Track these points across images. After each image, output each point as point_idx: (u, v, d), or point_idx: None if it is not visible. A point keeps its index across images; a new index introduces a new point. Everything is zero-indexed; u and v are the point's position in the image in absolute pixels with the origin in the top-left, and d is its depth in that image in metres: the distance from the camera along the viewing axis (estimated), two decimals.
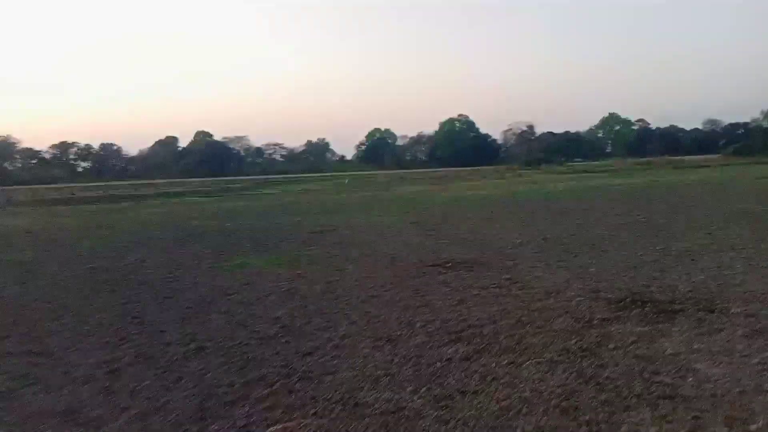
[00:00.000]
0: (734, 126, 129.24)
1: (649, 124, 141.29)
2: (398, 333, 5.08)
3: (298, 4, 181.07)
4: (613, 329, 4.86)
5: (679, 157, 73.86)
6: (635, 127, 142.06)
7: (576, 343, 4.59)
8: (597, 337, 4.68)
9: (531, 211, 16.70)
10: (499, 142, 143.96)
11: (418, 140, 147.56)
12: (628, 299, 5.74)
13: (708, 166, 51.45)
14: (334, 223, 16.10)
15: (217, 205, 28.10)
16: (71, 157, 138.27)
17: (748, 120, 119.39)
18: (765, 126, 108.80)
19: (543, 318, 5.30)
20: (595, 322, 5.07)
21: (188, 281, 8.43)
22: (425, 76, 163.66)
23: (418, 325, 5.33)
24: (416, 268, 8.53)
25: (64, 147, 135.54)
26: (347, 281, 7.79)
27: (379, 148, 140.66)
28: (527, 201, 21.28)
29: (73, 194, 52.69)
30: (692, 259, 7.99)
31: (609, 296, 6.00)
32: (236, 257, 10.52)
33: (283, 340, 5.11)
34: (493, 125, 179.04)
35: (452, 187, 36.97)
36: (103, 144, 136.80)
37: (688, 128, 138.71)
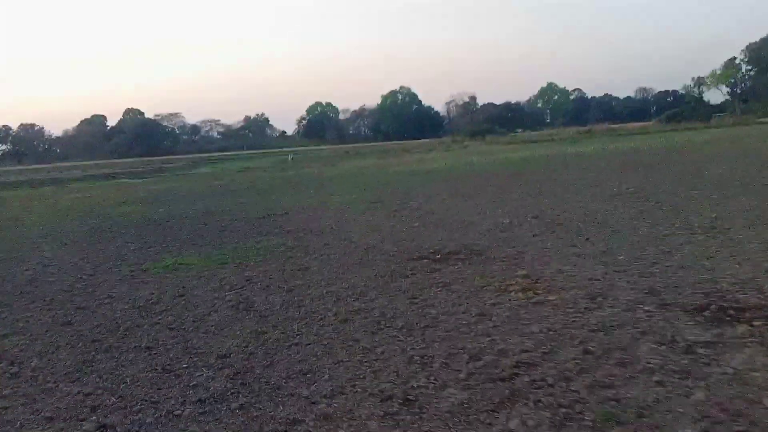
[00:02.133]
0: (664, 93, 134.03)
1: (585, 93, 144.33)
2: (416, 385, 3.35)
3: None
4: (735, 362, 3.31)
5: (618, 125, 75.22)
6: (572, 97, 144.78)
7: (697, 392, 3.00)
8: (728, 382, 3.10)
9: (498, 185, 15.27)
10: (442, 114, 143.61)
11: (361, 114, 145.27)
12: (713, 306, 4.23)
13: (646, 133, 52.11)
14: (284, 205, 14.13)
15: (148, 188, 25.36)
16: None
17: (677, 88, 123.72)
18: (696, 93, 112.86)
19: (616, 343, 3.71)
20: (699, 350, 3.52)
21: (102, 293, 6.39)
22: (366, 48, 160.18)
23: (437, 364, 3.63)
24: (399, 262, 6.82)
25: None
26: (315, 286, 5.99)
27: (321, 123, 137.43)
28: (488, 173, 19.91)
29: None
30: (732, 240, 6.65)
31: (679, 301, 4.48)
32: (168, 254, 8.48)
33: (239, 408, 3.27)
34: (435, 97, 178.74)
35: (401, 160, 35.33)
36: (22, 124, 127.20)
37: (621, 96, 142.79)
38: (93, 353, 4.38)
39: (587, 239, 7.28)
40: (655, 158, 20.52)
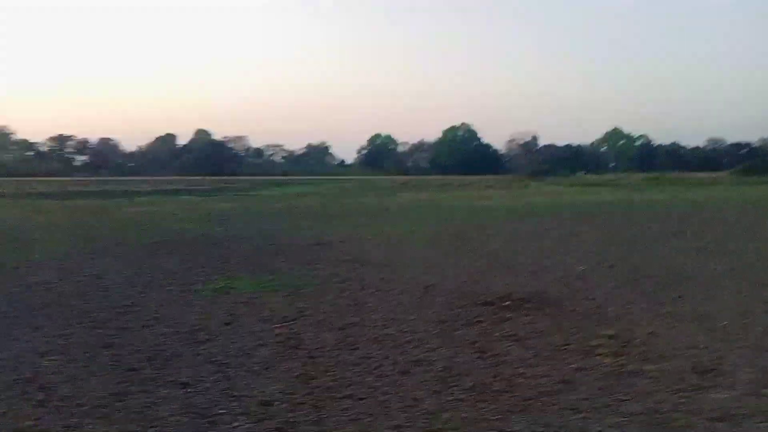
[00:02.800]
0: (737, 146, 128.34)
1: (651, 140, 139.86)
2: None
3: (305, 2, 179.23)
4: None
5: (687, 174, 71.97)
6: (638, 143, 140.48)
7: None
8: None
9: (566, 228, 14.38)
10: (502, 152, 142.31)
11: (420, 147, 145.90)
12: None
13: (719, 184, 49.32)
14: (340, 232, 13.77)
15: (210, 205, 25.74)
16: (68, 150, 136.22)
17: (751, 139, 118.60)
18: None
19: None
20: None
21: (148, 313, 6.08)
22: (429, 83, 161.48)
23: None
24: (463, 305, 6.20)
25: (61, 140, 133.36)
26: (370, 326, 5.46)
27: (381, 154, 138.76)
28: (553, 214, 18.98)
29: (64, 188, 50.36)
30: None
31: None
32: (220, 276, 8.18)
33: None
34: (495, 135, 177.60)
35: (459, 195, 34.67)
36: (101, 138, 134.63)
37: (690, 146, 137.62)
38: (127, 384, 3.98)
39: (679, 297, 6.44)
40: (735, 211, 19.04)
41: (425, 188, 47.21)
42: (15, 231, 15.14)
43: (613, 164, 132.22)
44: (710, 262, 8.73)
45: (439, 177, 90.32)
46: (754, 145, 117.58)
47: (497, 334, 5.07)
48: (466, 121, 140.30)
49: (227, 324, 5.57)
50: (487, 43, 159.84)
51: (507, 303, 6.26)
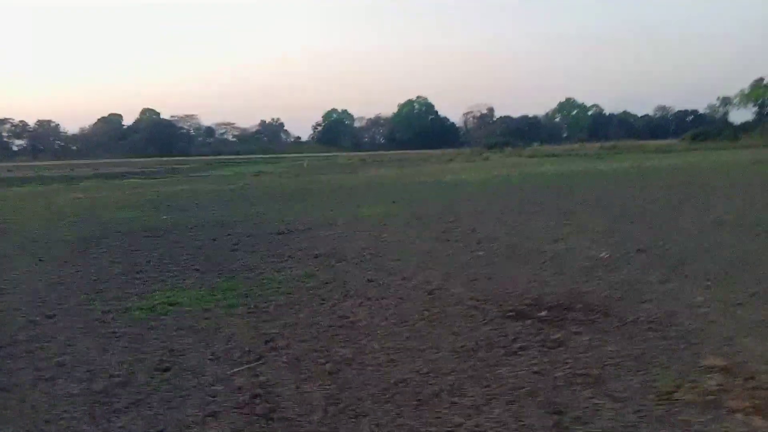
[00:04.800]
0: (683, 113, 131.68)
1: (603, 109, 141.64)
2: None
3: None
4: None
5: (641, 142, 72.75)
6: (590, 113, 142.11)
7: None
8: None
9: (555, 203, 13.05)
10: (459, 125, 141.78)
11: (376, 122, 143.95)
12: None
13: (674, 151, 49.55)
14: (306, 217, 12.03)
15: (158, 189, 23.42)
16: (5, 134, 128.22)
17: (697, 107, 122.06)
18: (721, 112, 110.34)
19: None
20: None
21: (48, 354, 4.28)
22: (383, 56, 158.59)
23: None
24: (488, 320, 4.65)
25: None
26: (372, 363, 3.84)
27: (337, 130, 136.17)
28: (529, 187, 17.69)
29: None
30: None
31: None
32: (160, 284, 6.38)
33: None
34: (451, 108, 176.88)
35: (423, 170, 33.20)
36: (39, 120, 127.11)
37: (640, 114, 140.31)
38: None
39: (752, 295, 5.06)
40: (713, 177, 18.20)
41: (385, 164, 45.60)
42: None
43: (565, 134, 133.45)
44: (750, 242, 7.47)
45: (397, 152, 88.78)
46: (700, 112, 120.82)
47: (560, 372, 3.53)
48: (422, 94, 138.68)
49: (164, 370, 3.84)
50: (441, 15, 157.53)
51: (544, 314, 4.75)
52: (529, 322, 4.54)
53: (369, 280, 6.20)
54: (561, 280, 5.88)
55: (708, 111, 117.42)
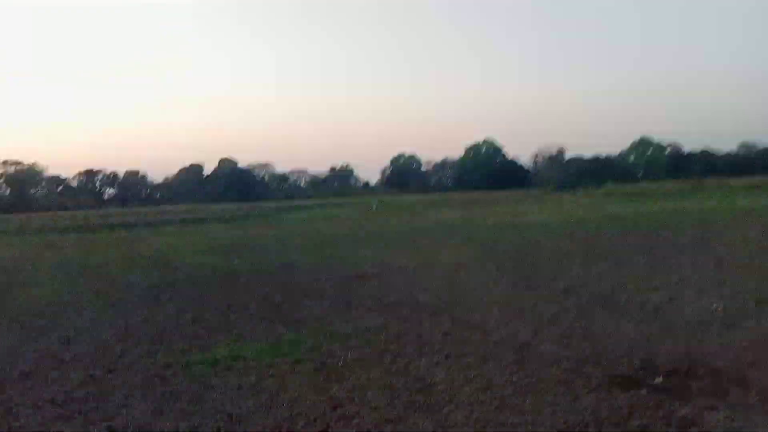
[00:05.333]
0: None
1: (680, 147, 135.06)
2: None
3: (321, 20, 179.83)
4: None
5: (726, 179, 68.33)
6: (667, 152, 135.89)
7: None
8: None
9: (643, 246, 11.96)
10: (527, 166, 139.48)
11: (443, 165, 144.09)
12: None
13: (759, 187, 45.86)
14: (375, 261, 11.60)
15: (231, 233, 23.87)
16: (97, 184, 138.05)
17: None
18: None
19: None
20: None
21: (97, 416, 3.96)
22: (450, 100, 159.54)
23: None
24: (593, 388, 3.94)
25: (89, 174, 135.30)
26: None
27: (404, 173, 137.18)
28: (611, 231, 16.49)
29: (88, 221, 49.50)
30: None
31: None
32: (225, 335, 6.05)
33: None
34: (519, 149, 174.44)
35: (494, 212, 32.22)
36: (128, 171, 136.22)
37: (721, 152, 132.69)
38: None
39: None
40: None
41: (454, 206, 44.91)
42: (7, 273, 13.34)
43: (640, 174, 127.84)
44: None
45: (465, 194, 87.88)
46: None
47: None
48: (489, 136, 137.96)
49: None
50: (507, 56, 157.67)
51: (659, 380, 3.98)
52: (643, 392, 3.79)
53: (446, 334, 5.60)
54: (672, 338, 5.06)
55: None
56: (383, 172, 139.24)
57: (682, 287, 7.29)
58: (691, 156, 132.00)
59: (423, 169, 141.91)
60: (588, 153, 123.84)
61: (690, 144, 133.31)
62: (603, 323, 5.71)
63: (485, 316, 6.24)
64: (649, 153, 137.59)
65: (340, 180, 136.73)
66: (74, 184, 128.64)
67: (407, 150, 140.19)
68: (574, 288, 7.63)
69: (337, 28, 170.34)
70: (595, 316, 6.05)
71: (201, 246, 18.41)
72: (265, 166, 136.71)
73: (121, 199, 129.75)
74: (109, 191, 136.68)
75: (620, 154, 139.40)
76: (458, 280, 8.84)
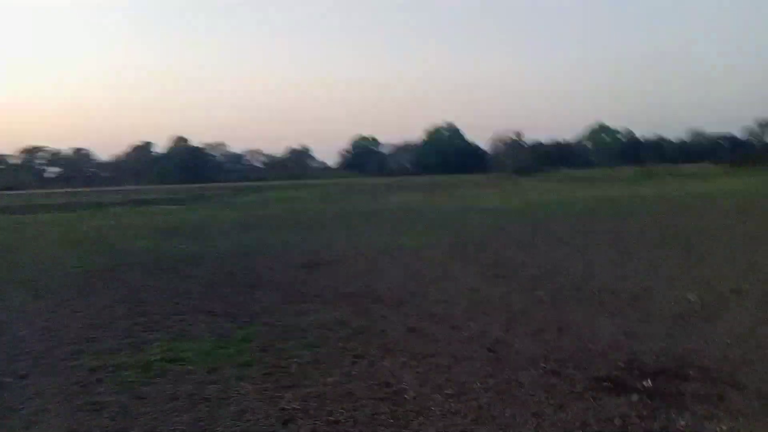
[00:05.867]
0: (718, 137, 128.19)
1: (634, 133, 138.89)
2: None
3: (286, 6, 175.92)
4: None
5: (676, 166, 70.53)
6: (620, 138, 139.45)
7: None
8: None
9: (605, 232, 11.82)
10: (486, 150, 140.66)
11: (404, 148, 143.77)
12: None
13: (715, 176, 47.40)
14: (334, 247, 11.04)
15: (182, 216, 22.80)
16: (39, 162, 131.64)
17: (733, 131, 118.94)
18: (759, 135, 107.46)
19: None
20: None
21: (13, 426, 3.29)
22: (410, 82, 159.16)
23: None
24: (569, 390, 3.52)
25: (32, 152, 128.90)
26: None
27: (363, 156, 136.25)
28: (571, 215, 16.41)
29: (28, 201, 46.93)
30: None
31: None
32: (163, 332, 5.39)
33: None
34: (480, 133, 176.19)
35: (453, 196, 32.02)
36: (73, 148, 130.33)
37: (672, 139, 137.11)
38: None
39: None
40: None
41: (413, 189, 44.61)
42: None
43: (595, 159, 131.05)
44: None
45: (425, 177, 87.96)
46: (738, 137, 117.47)
47: None
48: (450, 120, 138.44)
49: None
50: (468, 41, 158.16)
51: (647, 383, 3.59)
52: (634, 397, 3.39)
53: (411, 329, 5.11)
54: (652, 332, 4.71)
55: (747, 135, 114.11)
56: (342, 154, 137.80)
57: (653, 276, 7.03)
58: (644, 143, 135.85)
59: (383, 151, 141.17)
60: (546, 138, 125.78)
61: (643, 131, 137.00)
62: (577, 316, 5.33)
63: (453, 309, 5.78)
64: (605, 139, 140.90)
65: (298, 161, 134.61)
66: (17, 162, 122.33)
67: (367, 132, 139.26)
68: (543, 277, 7.27)
69: (297, 3, 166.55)
70: (569, 307, 5.67)
71: (147, 229, 17.40)
72: (219, 145, 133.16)
73: (65, 179, 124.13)
74: (52, 170, 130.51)
75: (577, 140, 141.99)
76: (421, 268, 8.37)
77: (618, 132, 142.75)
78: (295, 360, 4.36)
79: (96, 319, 6.02)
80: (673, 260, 8.05)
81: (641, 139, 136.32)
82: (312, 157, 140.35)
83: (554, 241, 10.67)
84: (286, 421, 3.30)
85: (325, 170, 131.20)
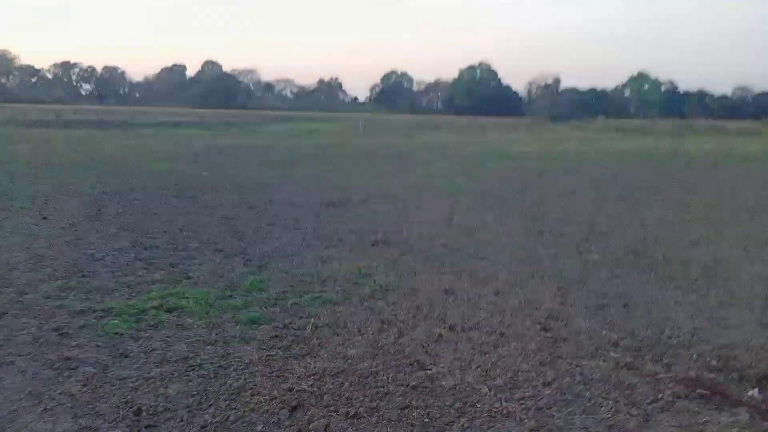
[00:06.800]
0: (766, 95, 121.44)
1: (677, 86, 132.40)
2: None
3: None
4: None
5: (720, 121, 66.96)
6: (663, 89, 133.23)
7: None
8: None
9: (662, 189, 10.79)
10: (521, 94, 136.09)
11: (436, 86, 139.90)
12: None
13: (756, 134, 44.64)
14: (360, 184, 10.28)
15: (208, 142, 22.18)
16: (73, 78, 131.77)
17: None
18: None
19: None
20: None
21: None
22: (446, 20, 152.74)
23: None
24: (654, 395, 2.77)
25: (66, 67, 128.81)
26: None
27: (395, 92, 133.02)
28: (618, 167, 15.24)
29: (58, 116, 46.80)
30: None
31: None
32: (166, 270, 4.77)
33: None
34: (516, 76, 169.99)
35: (486, 139, 30.72)
36: (106, 67, 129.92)
37: (716, 94, 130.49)
38: None
39: None
40: None
41: (444, 129, 43.16)
42: None
43: (633, 110, 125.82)
44: None
45: (457, 117, 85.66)
46: None
47: None
48: (485, 60, 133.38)
49: None
50: None
51: (755, 393, 2.82)
52: (745, 414, 2.62)
53: (447, 291, 4.38)
54: (741, 319, 3.90)
55: None
56: (372, 89, 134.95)
57: (723, 243, 6.13)
58: (686, 95, 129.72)
59: (414, 89, 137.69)
60: (584, 85, 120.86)
61: (686, 83, 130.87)
62: (644, 289, 4.53)
63: (494, 269, 5.01)
64: (645, 88, 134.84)
65: (328, 94, 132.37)
66: (49, 76, 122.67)
67: (399, 68, 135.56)
68: (594, 236, 6.42)
69: None
70: (630, 277, 4.86)
71: (172, 152, 16.85)
72: (250, 72, 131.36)
73: (98, 96, 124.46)
74: (86, 87, 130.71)
75: (616, 88, 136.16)
76: (455, 215, 7.58)
77: (659, 82, 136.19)
78: (311, 321, 3.68)
79: (96, 249, 5.43)
80: (739, 223, 7.10)
81: (684, 91, 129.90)
82: (343, 91, 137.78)
83: (600, 195, 9.72)
84: (294, 407, 2.63)
85: (355, 105, 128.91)
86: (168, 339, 3.38)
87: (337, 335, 3.49)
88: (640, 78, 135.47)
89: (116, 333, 3.45)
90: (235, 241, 5.88)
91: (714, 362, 3.16)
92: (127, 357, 3.14)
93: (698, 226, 7.12)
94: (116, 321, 3.62)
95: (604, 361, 3.16)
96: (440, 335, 3.50)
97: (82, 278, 4.53)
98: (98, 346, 3.26)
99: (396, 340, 3.44)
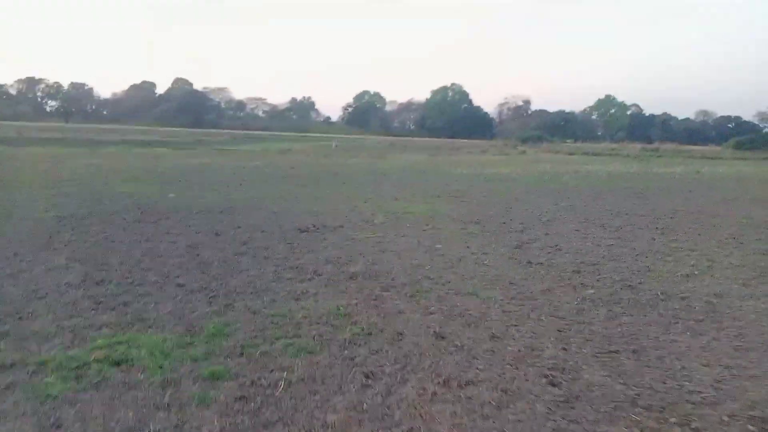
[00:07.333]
0: (725, 119, 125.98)
1: (642, 109, 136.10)
2: None
3: None
4: None
5: (684, 146, 68.78)
6: (629, 112, 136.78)
7: None
8: None
9: (642, 214, 10.58)
10: (492, 115, 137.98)
11: (408, 107, 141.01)
12: None
13: (717, 158, 45.81)
14: (336, 209, 9.80)
15: (177, 162, 21.46)
16: (38, 94, 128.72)
17: (740, 114, 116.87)
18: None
19: None
20: None
21: None
22: (418, 41, 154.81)
23: None
24: None
25: (31, 83, 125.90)
26: None
27: (368, 112, 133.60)
28: (594, 190, 15.12)
29: (20, 134, 45.25)
30: None
31: None
32: (119, 311, 4.20)
33: None
34: (486, 98, 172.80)
35: (460, 160, 30.65)
36: (73, 83, 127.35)
37: (680, 117, 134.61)
38: None
39: None
40: None
41: (416, 150, 43.08)
42: None
43: (600, 132, 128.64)
44: None
45: (428, 139, 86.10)
46: (744, 120, 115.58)
47: None
48: (457, 81, 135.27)
49: None
50: (484, 5, 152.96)
51: None
52: None
53: (438, 335, 3.92)
54: (762, 366, 3.53)
55: (757, 119, 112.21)
56: (345, 109, 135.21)
57: (719, 276, 5.83)
58: (651, 118, 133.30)
59: (387, 109, 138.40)
60: (553, 108, 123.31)
61: (651, 107, 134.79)
62: (649, 331, 4.15)
63: (487, 308, 4.58)
64: (611, 112, 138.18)
65: (300, 113, 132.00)
66: (13, 92, 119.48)
67: (372, 88, 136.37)
68: (586, 268, 6.07)
69: None
70: (631, 316, 4.48)
71: (138, 172, 16.12)
72: (221, 90, 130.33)
73: (64, 113, 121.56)
74: (52, 103, 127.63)
75: (584, 111, 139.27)
76: (436, 243, 7.15)
77: (626, 105, 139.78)
78: (283, 376, 3.18)
79: (40, 285, 4.82)
80: (731, 256, 6.84)
81: (649, 115, 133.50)
82: (315, 110, 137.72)
83: (583, 220, 9.44)
84: None
85: (327, 124, 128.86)
86: (112, 402, 2.83)
87: (314, 394, 2.99)
88: (607, 101, 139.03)
89: (48, 396, 2.88)
90: (199, 274, 5.33)
91: (752, 428, 2.76)
92: (59, 428, 2.59)
93: (688, 255, 6.84)
94: (51, 380, 3.06)
95: (627, 428, 2.73)
96: (434, 393, 3.03)
97: (18, 321, 3.94)
98: (23, 415, 2.70)
99: (383, 400, 2.96)
